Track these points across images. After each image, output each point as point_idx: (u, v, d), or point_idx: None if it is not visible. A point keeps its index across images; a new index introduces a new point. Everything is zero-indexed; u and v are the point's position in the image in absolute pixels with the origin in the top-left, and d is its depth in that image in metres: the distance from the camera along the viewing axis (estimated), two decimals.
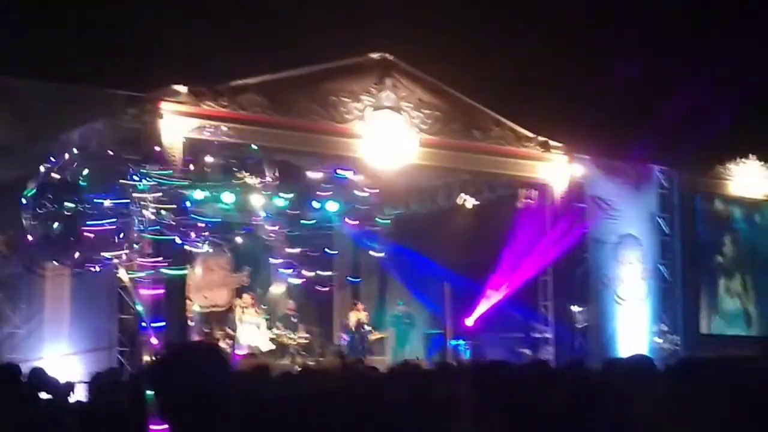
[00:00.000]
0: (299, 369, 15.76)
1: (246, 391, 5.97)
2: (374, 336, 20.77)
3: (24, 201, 14.97)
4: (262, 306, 20.17)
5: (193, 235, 15.94)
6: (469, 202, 20.19)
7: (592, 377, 5.61)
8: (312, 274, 19.62)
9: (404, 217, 22.10)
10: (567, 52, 22.61)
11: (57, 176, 15.06)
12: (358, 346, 20.10)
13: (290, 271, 19.12)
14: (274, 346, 19.30)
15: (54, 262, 15.47)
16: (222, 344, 18.90)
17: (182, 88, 15.93)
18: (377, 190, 18.87)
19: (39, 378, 8.37)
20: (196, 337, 18.46)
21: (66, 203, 14.94)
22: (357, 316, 20.73)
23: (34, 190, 15.04)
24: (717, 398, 2.86)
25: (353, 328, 20.51)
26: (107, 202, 15.11)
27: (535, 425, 4.06)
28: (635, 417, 2.66)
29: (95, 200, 15.09)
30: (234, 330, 19.17)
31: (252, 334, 19.14)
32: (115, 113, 15.61)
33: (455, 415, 4.66)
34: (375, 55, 17.86)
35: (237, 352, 18.61)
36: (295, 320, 20.37)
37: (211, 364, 3.12)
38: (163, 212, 15.26)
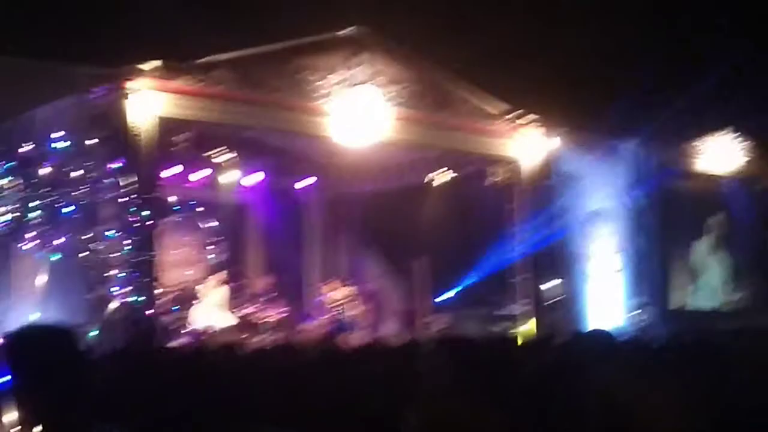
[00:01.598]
0: (272, 347, 15.79)
1: (218, 367, 5.96)
2: (356, 311, 20.69)
3: None
4: (235, 283, 20.16)
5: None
6: (441, 178, 20.17)
7: (555, 351, 5.65)
8: None
9: (375, 194, 22.12)
10: (540, 27, 22.62)
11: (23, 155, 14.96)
12: (342, 323, 20.10)
13: None
14: (233, 323, 19.16)
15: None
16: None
17: (151, 64, 15.77)
18: None
19: None
20: (166, 316, 18.45)
21: (33, 184, 14.86)
22: (342, 292, 20.67)
23: None
24: (674, 376, 2.88)
25: (334, 306, 20.39)
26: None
27: (500, 399, 4.07)
28: (595, 390, 2.67)
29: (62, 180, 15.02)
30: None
31: (210, 312, 19.00)
32: (82, 90, 15.45)
33: (425, 391, 4.66)
34: (348, 31, 17.77)
35: (190, 329, 18.49)
36: (267, 298, 20.35)
37: (58, 348, 3.04)
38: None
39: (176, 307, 19.12)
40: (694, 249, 23.73)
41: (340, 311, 20.26)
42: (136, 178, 15.47)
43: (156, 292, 16.14)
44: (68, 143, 15.66)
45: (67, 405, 2.90)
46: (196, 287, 19.48)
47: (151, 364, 5.70)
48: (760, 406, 3.31)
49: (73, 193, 15.39)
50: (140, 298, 15.36)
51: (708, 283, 23.94)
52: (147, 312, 15.42)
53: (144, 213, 15.53)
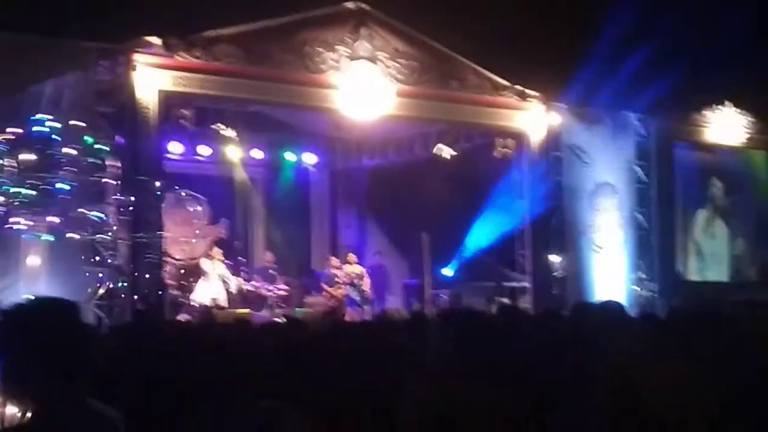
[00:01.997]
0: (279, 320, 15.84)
1: (224, 342, 5.97)
2: (363, 286, 20.65)
3: None
4: (240, 258, 20.19)
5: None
6: (446, 152, 20.13)
7: (565, 323, 5.64)
8: None
9: (382, 168, 22.12)
10: (542, 2, 22.50)
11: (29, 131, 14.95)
12: (352, 298, 20.12)
13: None
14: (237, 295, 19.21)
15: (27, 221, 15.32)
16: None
17: (155, 39, 15.75)
18: None
19: None
20: (174, 290, 18.50)
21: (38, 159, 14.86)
22: (350, 268, 20.66)
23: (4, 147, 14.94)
24: (685, 347, 2.88)
25: (345, 281, 20.36)
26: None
27: (509, 372, 4.08)
28: (605, 361, 2.67)
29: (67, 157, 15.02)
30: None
31: (216, 287, 19.03)
32: (87, 66, 15.44)
33: (431, 364, 4.67)
34: (350, 5, 17.70)
35: (194, 304, 18.53)
36: (273, 272, 20.39)
37: (55, 322, 3.01)
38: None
39: (183, 281, 19.18)
40: (701, 220, 23.69)
41: (348, 285, 20.27)
42: (143, 152, 15.50)
43: (163, 266, 16.23)
44: (75, 117, 15.64)
45: (63, 381, 2.89)
46: (202, 261, 19.50)
47: (152, 339, 5.71)
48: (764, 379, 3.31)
49: (79, 168, 15.38)
50: (147, 273, 15.41)
51: (713, 254, 23.91)
52: (154, 286, 15.49)
53: (150, 187, 15.56)
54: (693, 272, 23.49)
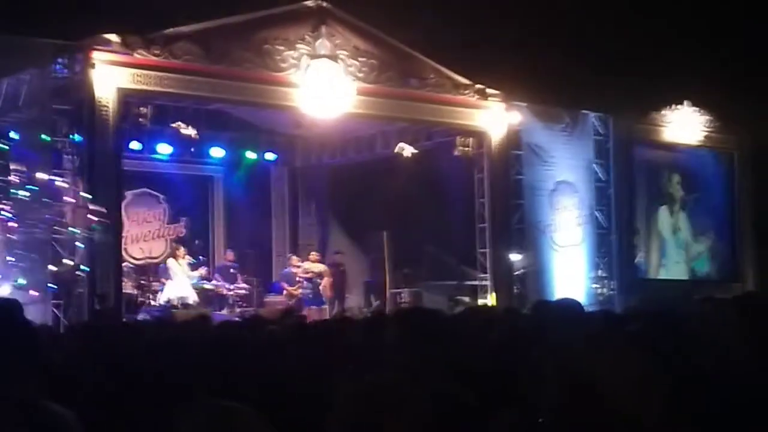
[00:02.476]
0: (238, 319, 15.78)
1: (186, 339, 5.93)
2: (322, 284, 20.59)
3: None
4: (200, 257, 20.08)
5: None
6: (407, 150, 20.16)
7: (524, 321, 5.66)
8: None
9: (343, 166, 22.11)
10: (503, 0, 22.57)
11: None
12: (311, 296, 20.06)
13: None
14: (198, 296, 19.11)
15: None
16: (160, 296, 18.82)
17: (113, 37, 15.62)
18: None
19: None
20: (132, 290, 18.36)
21: None
22: (311, 266, 20.58)
23: None
24: (639, 346, 2.90)
25: (304, 279, 20.29)
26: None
27: (468, 370, 4.09)
28: (562, 358, 2.68)
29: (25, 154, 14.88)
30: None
31: (184, 285, 18.96)
32: (45, 63, 15.29)
33: (390, 363, 4.67)
34: (311, 3, 17.67)
35: (162, 302, 18.43)
36: (234, 271, 20.30)
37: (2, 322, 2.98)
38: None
39: (142, 280, 19.04)
40: (660, 218, 23.88)
41: (308, 283, 20.22)
42: (101, 151, 15.38)
43: (122, 265, 16.12)
44: (32, 115, 15.51)
45: (12, 381, 2.84)
46: (167, 261, 19.38)
47: (108, 340, 5.66)
48: (716, 375, 3.35)
49: (37, 166, 15.24)
50: (105, 272, 15.30)
51: (677, 250, 24.10)
52: (112, 285, 15.38)
53: (108, 186, 15.45)
54: (656, 269, 23.65)
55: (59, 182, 15.26)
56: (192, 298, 18.79)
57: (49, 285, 15.00)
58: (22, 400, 2.83)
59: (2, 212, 15.14)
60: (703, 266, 24.62)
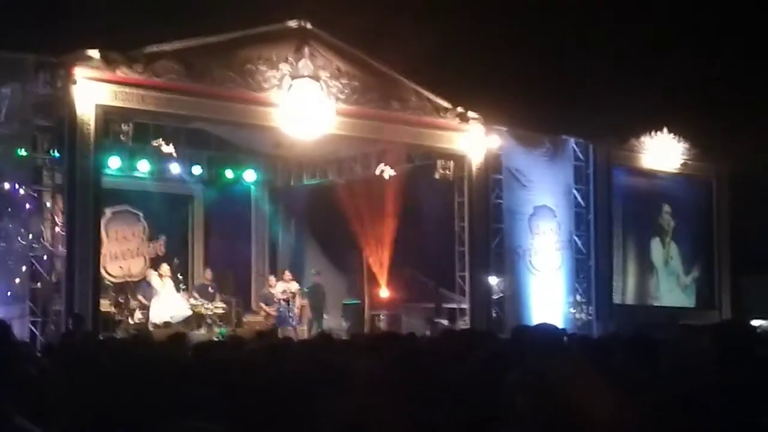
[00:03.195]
0: (216, 339, 15.72)
1: (162, 358, 5.90)
2: (299, 305, 20.53)
3: None
4: (179, 275, 19.99)
5: None
6: (387, 172, 20.20)
7: (503, 345, 5.67)
8: None
9: (323, 187, 22.10)
10: (485, 25, 22.71)
11: None
12: (286, 316, 19.96)
13: None
14: (190, 313, 19.07)
15: None
16: (138, 314, 18.73)
17: (95, 53, 15.59)
18: None
19: None
20: (109, 308, 18.26)
21: None
22: (285, 286, 20.51)
23: None
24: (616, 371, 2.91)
25: (281, 299, 20.22)
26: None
27: (446, 394, 4.09)
28: (540, 383, 2.69)
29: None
30: (149, 300, 18.93)
31: (170, 304, 18.91)
32: (26, 78, 15.23)
33: (368, 387, 4.66)
34: (293, 23, 17.70)
35: (153, 321, 18.40)
36: (212, 290, 20.22)
37: None
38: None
39: (120, 298, 18.92)
40: (638, 244, 23.95)
41: (286, 304, 20.14)
42: (81, 167, 15.32)
43: (99, 283, 16.03)
44: (12, 130, 15.43)
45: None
46: (153, 279, 19.28)
47: (84, 359, 5.63)
48: (691, 400, 3.37)
49: (16, 181, 15.17)
50: (83, 290, 15.21)
51: (652, 278, 24.19)
52: (89, 303, 15.29)
53: (88, 202, 15.39)
54: (628, 297, 23.70)
55: (37, 198, 15.18)
56: (183, 313, 18.77)
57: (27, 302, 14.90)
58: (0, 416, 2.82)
59: None
60: (679, 293, 24.73)
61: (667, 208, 24.25)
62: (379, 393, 4.16)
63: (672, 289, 24.30)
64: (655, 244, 24.08)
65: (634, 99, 22.61)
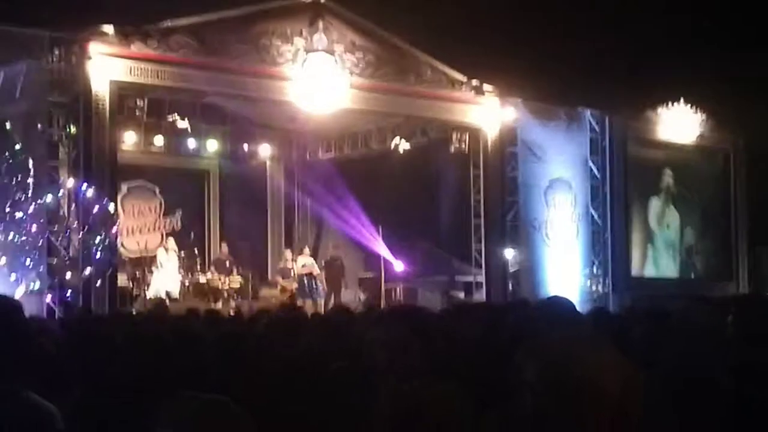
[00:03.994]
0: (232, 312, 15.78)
1: (176, 333, 5.94)
2: (317, 278, 20.62)
3: None
4: (194, 250, 20.07)
5: None
6: (402, 145, 20.18)
7: (515, 318, 5.68)
8: None
9: (338, 161, 22.11)
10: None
11: None
12: (306, 290, 20.04)
13: None
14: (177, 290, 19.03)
15: None
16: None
17: (110, 29, 15.61)
18: None
19: None
20: (123, 282, 18.34)
21: None
22: (304, 260, 20.58)
23: None
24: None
25: (302, 273, 20.29)
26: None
27: (452, 363, 4.11)
28: (547, 359, 2.70)
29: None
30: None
31: (167, 278, 18.91)
32: (40, 54, 15.26)
33: (380, 359, 4.68)
34: None
35: (151, 296, 18.40)
36: (229, 264, 20.29)
37: None
38: None
39: (136, 273, 19.02)
40: (654, 216, 23.83)
41: (309, 277, 20.22)
42: (97, 143, 15.37)
43: (116, 258, 16.12)
44: (28, 106, 15.48)
45: (1, 374, 2.87)
46: (158, 252, 19.37)
47: (100, 333, 5.67)
48: (705, 375, 3.36)
49: (32, 156, 15.22)
50: (100, 265, 15.28)
51: (666, 243, 24.09)
52: (106, 278, 15.37)
53: (104, 178, 15.45)
54: (647, 263, 23.59)
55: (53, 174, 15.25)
56: (176, 290, 18.75)
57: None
58: (10, 394, 2.85)
59: (16, 213, 15.07)
60: (697, 264, 24.62)
61: (669, 172, 24.00)
62: (394, 365, 4.17)
63: (668, 255, 24.05)
64: (654, 207, 23.79)
65: (651, 70, 22.48)
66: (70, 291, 15.14)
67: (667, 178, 24.02)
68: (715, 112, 23.85)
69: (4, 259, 14.92)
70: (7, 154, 15.00)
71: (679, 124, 23.56)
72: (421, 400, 2.68)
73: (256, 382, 4.62)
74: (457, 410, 2.64)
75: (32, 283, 14.93)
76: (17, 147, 15.02)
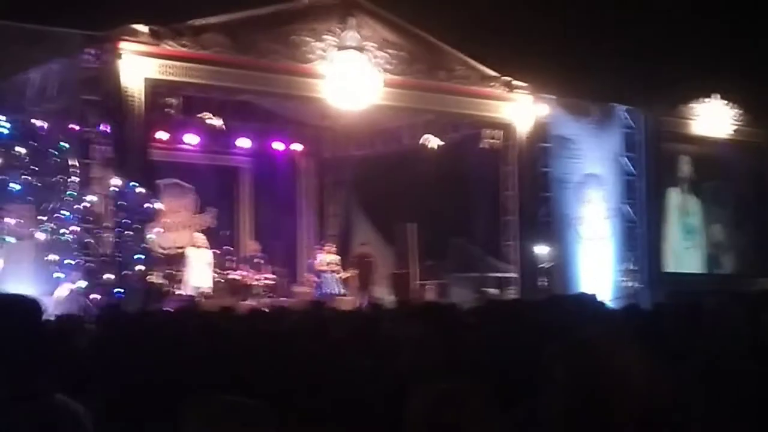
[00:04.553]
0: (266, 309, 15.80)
1: (210, 328, 5.97)
2: (344, 276, 20.68)
3: None
4: (226, 247, 20.14)
5: None
6: (434, 142, 20.14)
7: (545, 314, 5.65)
8: None
9: (369, 158, 22.09)
10: None
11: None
12: (329, 287, 20.09)
13: None
14: (210, 286, 19.08)
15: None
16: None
17: (142, 27, 15.70)
18: None
19: None
20: (157, 279, 18.42)
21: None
22: (326, 258, 20.65)
23: None
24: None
25: (323, 270, 20.38)
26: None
27: (480, 361, 4.10)
28: (574, 357, 2.68)
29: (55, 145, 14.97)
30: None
31: (201, 274, 18.99)
32: (73, 54, 15.37)
33: (408, 354, 4.68)
34: None
35: (183, 293, 18.46)
36: (260, 261, 20.35)
37: (17, 317, 3.00)
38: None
39: (169, 270, 19.09)
40: (688, 212, 23.63)
41: (331, 274, 20.26)
42: (130, 141, 15.46)
43: (149, 255, 16.19)
44: (62, 105, 15.60)
45: (27, 375, 2.88)
46: (188, 249, 19.45)
47: (132, 330, 5.71)
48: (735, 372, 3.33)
49: (66, 155, 15.33)
50: (133, 263, 15.37)
51: (703, 247, 23.89)
52: (140, 276, 15.46)
53: (137, 176, 15.53)
54: (680, 259, 23.34)
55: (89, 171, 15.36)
56: (208, 287, 18.83)
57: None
58: (33, 395, 2.86)
59: (61, 211, 15.21)
60: (730, 260, 24.38)
61: (688, 159, 23.69)
62: (421, 362, 4.17)
63: (688, 246, 23.73)
64: (673, 196, 23.49)
65: (684, 65, 22.29)
66: (110, 289, 15.22)
67: (700, 173, 23.80)
68: (749, 106, 23.63)
69: (51, 256, 15.07)
70: (50, 152, 15.12)
71: (713, 118, 23.37)
72: (447, 398, 2.66)
73: (283, 378, 4.63)
74: (483, 409, 2.62)
75: (75, 282, 15.05)
76: (62, 146, 15.14)
